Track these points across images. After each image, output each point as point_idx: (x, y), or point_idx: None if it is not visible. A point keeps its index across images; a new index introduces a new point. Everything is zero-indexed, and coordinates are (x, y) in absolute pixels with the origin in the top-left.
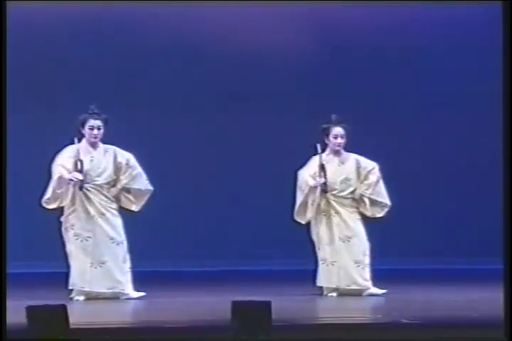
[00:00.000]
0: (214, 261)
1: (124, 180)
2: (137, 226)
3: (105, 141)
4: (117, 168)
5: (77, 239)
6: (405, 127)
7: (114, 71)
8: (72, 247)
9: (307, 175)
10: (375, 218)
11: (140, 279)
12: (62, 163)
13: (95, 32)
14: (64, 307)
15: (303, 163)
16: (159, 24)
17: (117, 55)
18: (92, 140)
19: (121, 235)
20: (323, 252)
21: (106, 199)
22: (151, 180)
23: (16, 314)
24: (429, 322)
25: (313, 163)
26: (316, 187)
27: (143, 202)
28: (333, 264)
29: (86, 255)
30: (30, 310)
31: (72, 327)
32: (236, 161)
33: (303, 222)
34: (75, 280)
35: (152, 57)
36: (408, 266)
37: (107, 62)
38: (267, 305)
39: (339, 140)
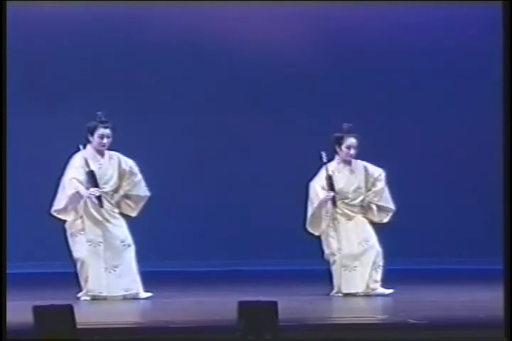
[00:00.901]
0: (220, 262)
1: (126, 187)
2: (143, 228)
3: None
4: (121, 175)
5: (90, 245)
6: (404, 129)
7: (114, 71)
8: (85, 253)
9: (318, 187)
10: (381, 223)
11: (146, 279)
12: (76, 177)
13: (95, 32)
14: (71, 308)
15: (306, 168)
16: (160, 24)
17: (117, 55)
18: (100, 148)
19: (128, 237)
20: (340, 259)
21: (110, 205)
22: (154, 182)
23: (22, 314)
24: (436, 322)
25: (323, 174)
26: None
27: (140, 208)
28: (355, 269)
29: (99, 260)
30: (37, 310)
31: (78, 327)
32: (239, 162)
33: (317, 234)
34: (93, 286)
35: (153, 58)
36: (412, 266)
37: (106, 63)
38: (274, 305)
39: (352, 151)
